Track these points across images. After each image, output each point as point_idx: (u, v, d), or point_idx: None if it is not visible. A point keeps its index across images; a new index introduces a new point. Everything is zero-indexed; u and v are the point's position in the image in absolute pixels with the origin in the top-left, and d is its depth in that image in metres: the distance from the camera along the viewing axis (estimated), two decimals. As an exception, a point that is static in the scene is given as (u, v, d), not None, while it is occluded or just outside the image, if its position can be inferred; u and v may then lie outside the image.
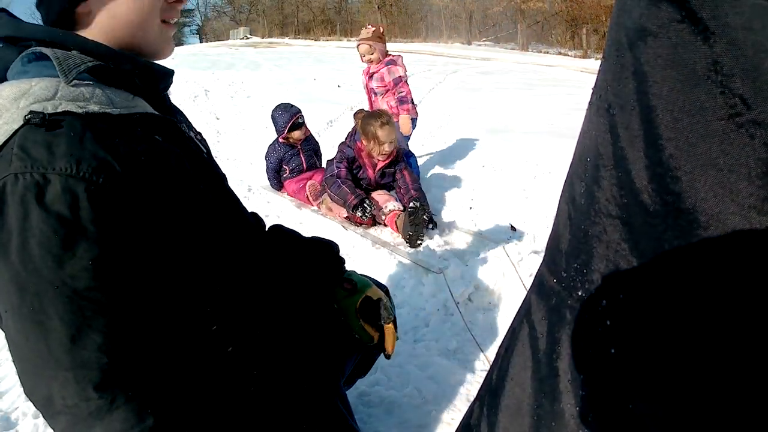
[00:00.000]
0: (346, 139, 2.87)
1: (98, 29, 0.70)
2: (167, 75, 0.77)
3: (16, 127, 0.60)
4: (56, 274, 0.57)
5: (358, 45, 3.39)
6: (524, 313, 0.57)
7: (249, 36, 31.93)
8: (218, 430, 0.73)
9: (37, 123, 0.59)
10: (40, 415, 1.49)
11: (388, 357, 1.14)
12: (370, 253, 2.37)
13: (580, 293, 0.47)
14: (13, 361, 0.62)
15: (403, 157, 2.84)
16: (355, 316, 1.08)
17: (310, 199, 3.05)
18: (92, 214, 0.58)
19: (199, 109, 6.67)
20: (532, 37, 25.30)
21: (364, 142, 2.69)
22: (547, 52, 21.33)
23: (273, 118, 3.24)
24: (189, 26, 41.56)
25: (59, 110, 0.61)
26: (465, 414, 0.69)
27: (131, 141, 0.65)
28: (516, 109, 6.46)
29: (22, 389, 1.64)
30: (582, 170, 0.48)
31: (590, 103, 0.49)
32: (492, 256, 2.11)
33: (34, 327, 0.58)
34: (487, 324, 1.86)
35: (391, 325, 1.10)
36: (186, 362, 0.70)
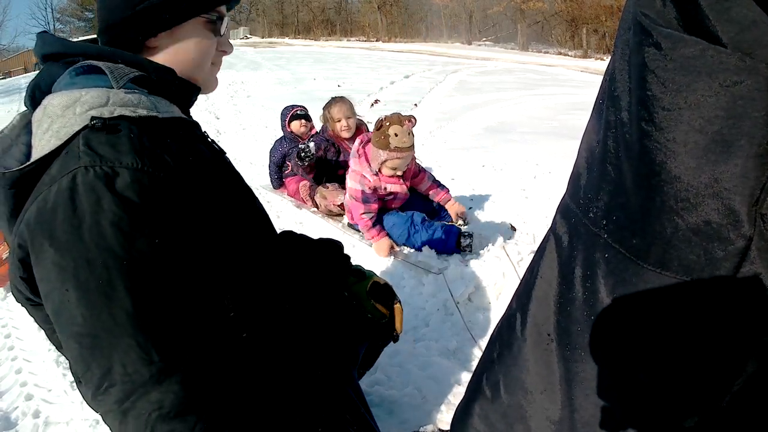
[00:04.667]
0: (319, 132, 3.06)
1: (164, 59, 0.83)
2: (198, 90, 0.88)
3: (77, 128, 0.67)
4: (126, 250, 0.64)
5: (400, 158, 2.30)
6: (551, 228, 0.77)
7: (249, 36, 31.94)
8: (238, 413, 0.76)
9: (99, 126, 0.67)
10: (40, 414, 1.50)
11: (396, 339, 1.25)
12: (370, 253, 2.37)
13: (590, 215, 0.65)
14: (67, 343, 0.66)
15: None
16: (366, 298, 1.20)
17: (304, 199, 3.06)
18: (157, 200, 0.66)
19: (199, 109, 6.68)
20: (532, 37, 25.30)
21: (329, 125, 2.90)
22: (547, 52, 21.33)
23: (280, 115, 3.37)
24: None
25: (115, 114, 0.69)
26: (506, 308, 0.88)
27: (179, 142, 0.74)
28: (516, 109, 6.46)
29: (21, 389, 1.65)
30: (595, 130, 0.66)
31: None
32: (492, 256, 2.11)
33: (100, 299, 0.63)
34: (487, 324, 1.86)
35: (399, 305, 1.24)
36: (214, 341, 0.75)
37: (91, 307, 0.63)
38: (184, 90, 0.84)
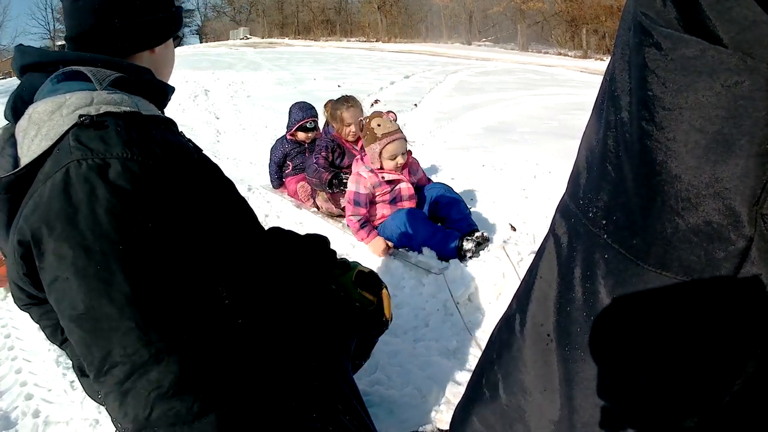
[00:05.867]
0: (322, 136, 2.96)
1: (153, 65, 0.93)
2: (173, 90, 0.95)
3: (65, 128, 0.70)
4: (122, 235, 0.66)
5: (392, 141, 2.32)
6: (551, 228, 0.75)
7: (249, 36, 31.95)
8: (233, 393, 0.77)
9: (87, 123, 0.70)
10: (40, 414, 1.50)
11: (386, 324, 1.29)
12: (370, 253, 2.38)
13: (590, 215, 0.64)
14: (69, 329, 0.68)
15: None
16: (353, 287, 1.23)
17: (304, 199, 3.06)
18: (148, 187, 0.69)
19: (199, 109, 6.68)
20: (532, 37, 25.31)
21: (334, 126, 2.79)
22: (547, 52, 21.33)
23: (289, 112, 3.32)
24: (189, 26, 41.61)
25: (101, 111, 0.72)
26: (505, 309, 0.87)
27: (163, 134, 0.77)
28: (516, 109, 6.46)
29: (21, 389, 1.65)
30: (595, 130, 0.65)
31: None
32: (492, 256, 2.11)
33: (98, 285, 0.65)
34: (487, 324, 1.86)
35: (385, 291, 1.29)
36: (207, 325, 0.76)
37: (90, 292, 0.65)
38: (161, 89, 0.90)
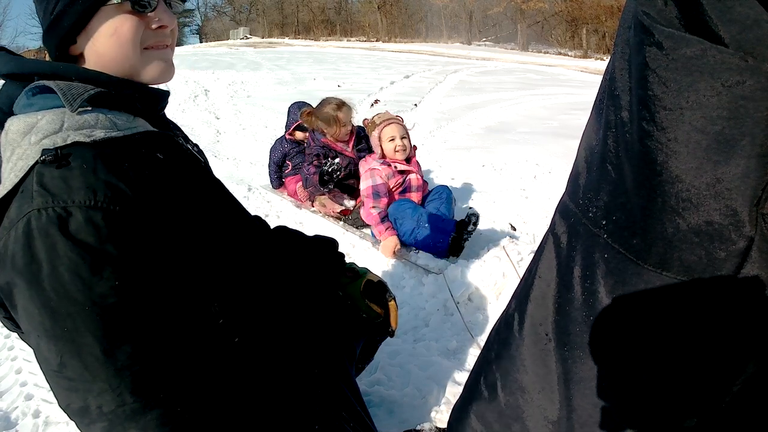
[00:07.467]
0: (310, 145, 2.85)
1: (93, 65, 0.76)
2: (164, 97, 0.83)
3: (30, 163, 0.64)
4: (86, 296, 0.62)
5: (388, 124, 2.46)
6: (550, 228, 0.76)
7: (249, 36, 31.95)
8: (233, 416, 0.76)
9: (50, 160, 0.64)
10: (40, 414, 1.50)
11: (392, 334, 1.26)
12: (370, 253, 2.37)
13: (590, 215, 0.64)
14: (46, 378, 0.67)
15: (364, 133, 2.86)
16: (360, 297, 1.20)
17: (303, 199, 3.05)
18: (114, 238, 0.63)
19: (199, 109, 6.67)
20: (532, 37, 25.31)
21: (325, 129, 2.71)
22: (547, 52, 21.33)
23: (288, 111, 3.32)
24: (189, 26, 41.69)
25: (68, 141, 0.65)
26: (504, 309, 0.87)
27: (138, 164, 0.69)
28: (516, 109, 6.46)
29: (21, 389, 1.64)
30: (595, 130, 0.66)
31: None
32: (492, 256, 2.11)
33: (67, 347, 0.62)
34: (487, 324, 1.86)
35: (393, 302, 1.26)
36: (199, 356, 0.74)
37: (61, 353, 0.63)
38: (150, 99, 0.79)
